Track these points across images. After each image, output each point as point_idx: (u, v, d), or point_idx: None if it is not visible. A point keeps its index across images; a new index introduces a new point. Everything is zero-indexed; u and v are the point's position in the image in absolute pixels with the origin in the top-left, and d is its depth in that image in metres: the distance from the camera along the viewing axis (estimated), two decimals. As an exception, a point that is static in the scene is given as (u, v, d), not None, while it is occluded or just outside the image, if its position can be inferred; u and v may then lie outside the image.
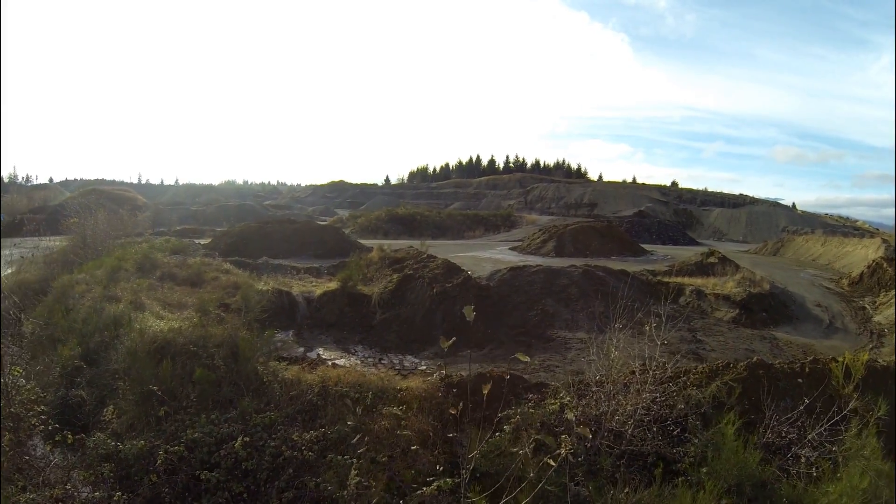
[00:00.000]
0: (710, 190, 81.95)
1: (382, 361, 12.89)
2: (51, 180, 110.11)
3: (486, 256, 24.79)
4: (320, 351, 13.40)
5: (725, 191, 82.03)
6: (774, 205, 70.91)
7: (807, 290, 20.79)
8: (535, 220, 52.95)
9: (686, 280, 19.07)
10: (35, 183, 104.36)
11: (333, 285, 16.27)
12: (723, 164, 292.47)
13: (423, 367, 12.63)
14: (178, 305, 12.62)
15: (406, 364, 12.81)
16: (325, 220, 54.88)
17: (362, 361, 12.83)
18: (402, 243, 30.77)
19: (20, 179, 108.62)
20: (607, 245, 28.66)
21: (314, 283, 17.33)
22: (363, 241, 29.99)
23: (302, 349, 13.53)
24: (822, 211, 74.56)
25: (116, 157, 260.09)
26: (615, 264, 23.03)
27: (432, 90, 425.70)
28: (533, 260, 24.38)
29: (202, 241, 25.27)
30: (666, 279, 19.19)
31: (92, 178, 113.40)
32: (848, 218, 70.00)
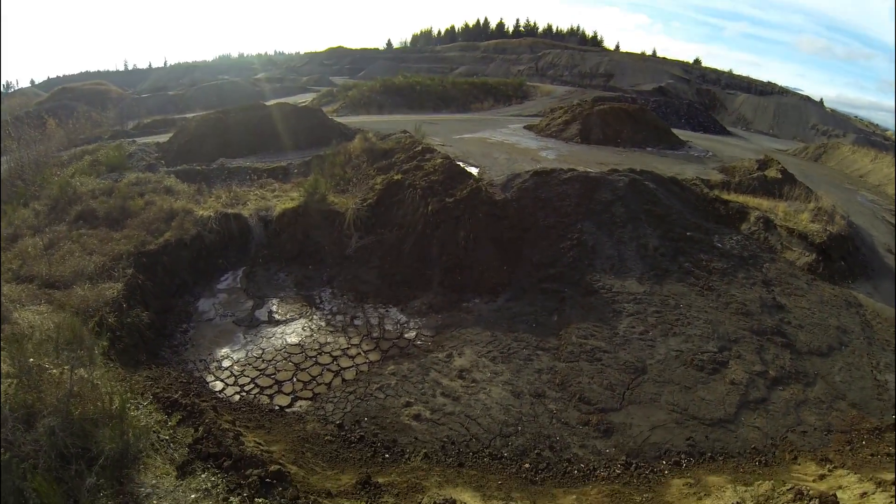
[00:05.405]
0: (734, 73, 73.03)
1: (356, 322, 9.45)
2: (32, 83, 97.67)
3: (498, 140, 20.30)
4: (273, 306, 9.90)
5: (749, 75, 73.27)
6: (805, 99, 63.99)
7: (871, 225, 16.73)
8: (551, 92, 46.39)
9: (749, 200, 15.04)
10: (16, 88, 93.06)
11: (297, 198, 12.30)
12: (744, 45, 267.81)
13: (413, 334, 9.24)
14: (74, 276, 8.84)
15: (388, 326, 9.39)
16: (318, 90, 48.19)
17: (328, 322, 9.40)
18: (398, 119, 25.80)
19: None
20: (640, 133, 23.90)
21: (276, 193, 13.32)
22: (353, 120, 25.04)
23: (251, 304, 10.02)
24: (842, 108, 67.75)
25: (106, 45, 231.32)
26: (655, 160, 18.90)
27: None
28: (554, 145, 20.12)
29: (163, 139, 19.87)
30: (724, 196, 15.15)
31: (76, 73, 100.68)
32: (878, 125, 63.78)
